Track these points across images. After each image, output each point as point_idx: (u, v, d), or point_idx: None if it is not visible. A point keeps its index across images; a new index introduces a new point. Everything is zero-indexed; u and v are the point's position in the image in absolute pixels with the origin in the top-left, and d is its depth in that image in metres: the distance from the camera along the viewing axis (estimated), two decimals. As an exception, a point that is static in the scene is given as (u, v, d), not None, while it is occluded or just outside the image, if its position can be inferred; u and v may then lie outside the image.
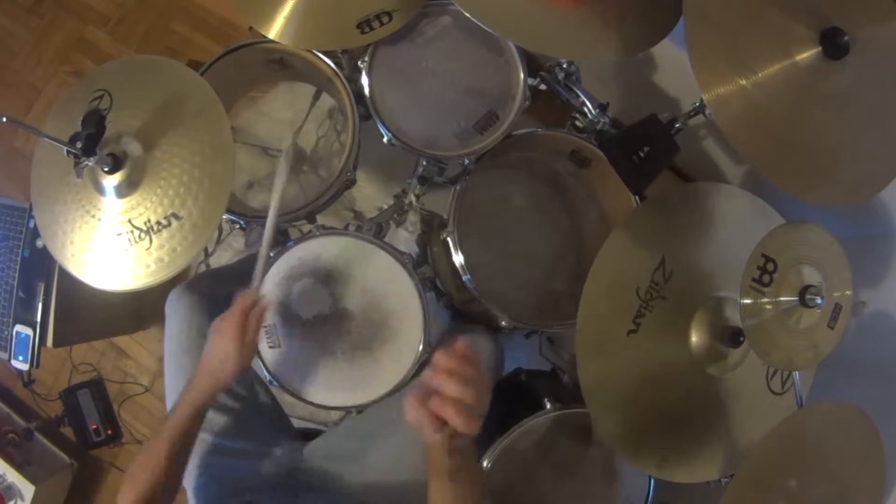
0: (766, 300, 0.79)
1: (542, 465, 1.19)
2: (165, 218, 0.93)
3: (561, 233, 1.33)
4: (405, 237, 1.68)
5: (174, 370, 1.15)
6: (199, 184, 0.93)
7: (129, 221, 0.95)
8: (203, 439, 1.08)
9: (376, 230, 1.31)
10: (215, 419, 1.09)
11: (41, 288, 1.53)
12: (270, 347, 1.10)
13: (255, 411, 1.14)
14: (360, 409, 1.12)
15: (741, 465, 0.77)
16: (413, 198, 1.33)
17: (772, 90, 0.84)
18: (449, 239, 1.16)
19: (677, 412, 0.97)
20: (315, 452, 1.11)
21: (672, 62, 1.42)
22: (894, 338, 1.11)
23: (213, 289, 1.23)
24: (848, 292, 0.87)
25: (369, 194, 1.81)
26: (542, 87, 1.22)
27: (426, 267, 1.35)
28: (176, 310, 1.18)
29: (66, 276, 0.99)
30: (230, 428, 1.09)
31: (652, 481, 1.15)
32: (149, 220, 0.94)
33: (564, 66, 1.23)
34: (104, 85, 1.02)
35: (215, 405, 1.10)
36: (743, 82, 0.84)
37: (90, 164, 0.92)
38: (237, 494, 1.05)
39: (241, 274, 1.24)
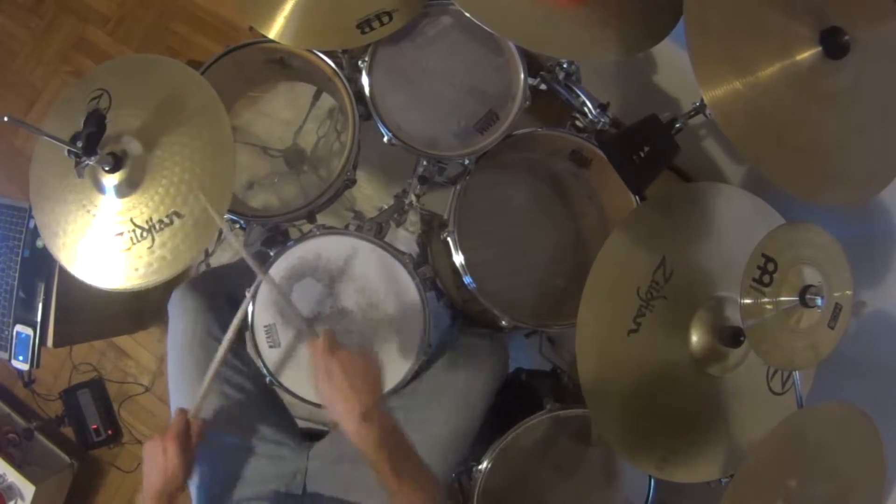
0: (766, 300, 0.79)
1: (542, 465, 1.19)
2: (167, 216, 0.93)
3: (561, 233, 1.33)
4: (405, 237, 1.68)
5: (177, 369, 1.15)
6: (201, 181, 0.93)
7: (131, 220, 0.95)
8: (211, 436, 1.07)
9: (376, 230, 1.31)
10: (224, 416, 1.09)
11: (41, 288, 1.53)
12: (270, 347, 1.10)
13: (261, 410, 1.14)
14: (361, 408, 1.12)
15: (741, 465, 0.77)
16: (413, 198, 1.33)
17: (773, 91, 0.84)
18: (449, 239, 1.16)
19: (677, 412, 0.97)
20: (323, 453, 1.11)
21: (672, 62, 1.42)
22: (894, 338, 1.11)
23: (215, 287, 1.23)
24: (848, 292, 0.87)
25: (369, 194, 1.81)
26: (543, 86, 1.22)
27: (426, 267, 1.35)
28: (179, 309, 1.18)
29: (66, 275, 0.99)
30: (239, 425, 1.09)
31: (652, 481, 1.15)
32: (150, 219, 0.94)
33: (564, 65, 1.23)
34: (103, 84, 1.01)
35: (222, 400, 1.10)
36: (745, 85, 0.84)
37: (91, 163, 0.92)
38: (242, 496, 1.05)
39: (243, 272, 1.24)
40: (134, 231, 0.95)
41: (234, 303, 1.20)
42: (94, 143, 0.91)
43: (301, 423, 1.23)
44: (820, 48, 0.84)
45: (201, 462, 1.07)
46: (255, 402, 1.14)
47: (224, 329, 1.16)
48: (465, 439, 1.10)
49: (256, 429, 1.10)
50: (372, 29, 1.09)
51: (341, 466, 1.07)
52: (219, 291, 1.21)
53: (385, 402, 0.85)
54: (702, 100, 0.98)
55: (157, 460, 0.93)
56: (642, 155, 0.97)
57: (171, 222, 0.93)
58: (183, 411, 0.98)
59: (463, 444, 1.10)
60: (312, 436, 1.18)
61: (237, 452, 1.08)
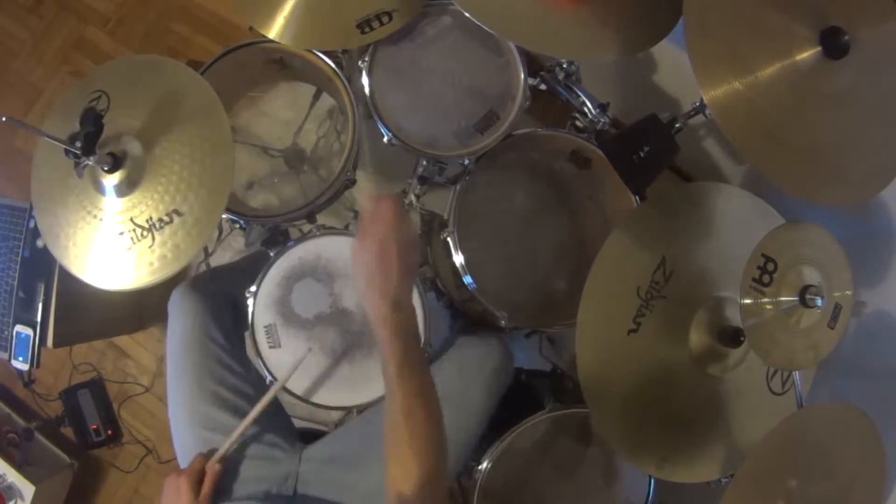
0: (766, 300, 0.79)
1: (542, 465, 1.19)
2: (167, 215, 0.93)
3: (561, 233, 1.33)
4: (405, 237, 1.68)
5: (176, 369, 1.15)
6: (200, 179, 0.93)
7: (131, 220, 0.95)
8: (205, 436, 1.08)
9: (376, 230, 1.30)
10: (219, 417, 1.09)
11: (41, 288, 1.53)
12: (270, 347, 1.10)
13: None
14: (361, 409, 1.12)
15: (741, 465, 0.77)
16: (413, 198, 1.33)
17: (773, 92, 0.84)
18: (449, 239, 1.16)
19: (677, 412, 0.97)
20: (315, 455, 1.11)
21: (672, 62, 1.42)
22: (894, 338, 1.11)
23: (215, 288, 1.23)
24: (848, 292, 0.88)
25: (369, 194, 1.81)
26: (543, 87, 1.21)
27: (426, 267, 1.35)
28: (179, 308, 1.18)
29: (66, 275, 0.99)
30: (233, 425, 1.09)
31: (652, 481, 1.15)
32: (151, 218, 0.94)
33: (564, 66, 1.23)
34: (101, 86, 1.01)
35: (218, 403, 1.10)
36: (744, 85, 0.84)
37: (90, 163, 0.92)
38: (233, 496, 1.05)
39: (243, 272, 1.25)
40: (134, 230, 0.95)
41: (234, 303, 1.21)
42: (92, 143, 0.91)
43: (299, 424, 1.23)
44: (820, 48, 0.84)
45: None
46: (252, 403, 1.14)
47: (222, 330, 1.16)
48: (466, 440, 1.09)
49: (251, 430, 1.10)
50: (372, 29, 1.09)
51: (333, 469, 1.07)
52: (218, 292, 1.22)
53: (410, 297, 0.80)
54: (702, 100, 0.98)
55: (171, 497, 0.95)
56: (642, 155, 0.97)
57: (172, 220, 0.93)
58: (203, 457, 1.01)
59: (466, 447, 1.09)
60: (310, 437, 1.18)
61: (234, 454, 1.07)
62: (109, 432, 1.95)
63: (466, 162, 1.17)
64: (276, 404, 1.21)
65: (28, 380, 1.95)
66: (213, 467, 0.99)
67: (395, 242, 0.77)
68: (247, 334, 1.13)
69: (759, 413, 0.99)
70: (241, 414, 1.11)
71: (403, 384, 0.75)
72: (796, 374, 0.90)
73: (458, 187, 1.18)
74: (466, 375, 1.12)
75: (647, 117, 1.01)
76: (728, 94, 0.84)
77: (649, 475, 1.14)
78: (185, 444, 1.09)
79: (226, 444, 1.02)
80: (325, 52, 1.19)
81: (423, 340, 1.08)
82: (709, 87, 0.84)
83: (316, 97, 1.55)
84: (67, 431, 1.97)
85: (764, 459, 0.78)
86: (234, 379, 1.13)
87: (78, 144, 0.90)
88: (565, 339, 1.57)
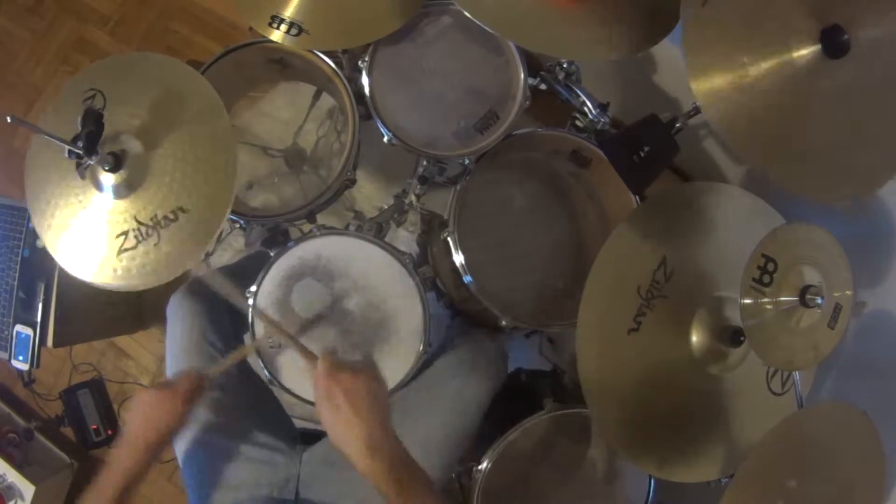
0: (766, 300, 0.79)
1: (542, 465, 1.19)
2: (172, 212, 0.92)
3: (561, 232, 1.33)
4: (405, 237, 1.68)
5: (176, 372, 1.15)
6: (204, 176, 0.92)
7: (135, 218, 0.94)
8: (206, 440, 1.08)
9: (376, 230, 1.31)
10: (219, 420, 1.09)
11: (41, 288, 1.53)
12: (271, 347, 1.10)
13: (259, 413, 1.14)
14: (360, 408, 1.12)
15: (741, 465, 0.77)
16: (413, 198, 1.33)
17: (772, 91, 0.84)
18: (449, 239, 1.16)
19: (677, 412, 0.97)
20: (315, 457, 1.11)
21: (672, 62, 1.42)
22: (894, 338, 1.11)
23: (213, 291, 1.23)
24: (848, 292, 0.87)
25: (369, 194, 1.81)
26: (543, 86, 1.22)
27: (426, 267, 1.35)
28: (178, 312, 1.18)
29: (66, 275, 0.99)
30: (233, 429, 1.09)
31: (652, 481, 1.15)
32: (155, 216, 0.93)
33: (564, 65, 1.23)
34: (95, 84, 1.00)
35: (220, 405, 1.10)
36: (741, 84, 0.84)
37: (92, 163, 0.92)
38: (235, 500, 1.05)
39: (241, 274, 1.25)
40: (138, 229, 0.94)
41: (232, 306, 1.21)
42: (93, 143, 0.91)
43: (299, 424, 1.23)
44: (819, 47, 0.84)
45: (196, 464, 1.07)
46: (252, 406, 1.14)
47: (221, 334, 1.16)
48: (462, 441, 1.09)
49: (251, 433, 1.10)
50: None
51: (334, 471, 1.07)
52: (216, 295, 1.21)
53: (391, 424, 0.80)
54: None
55: (154, 413, 0.89)
56: (642, 155, 0.97)
57: (177, 218, 0.92)
58: (198, 374, 0.93)
59: (460, 446, 1.09)
60: (310, 437, 1.18)
61: (232, 457, 1.07)
62: (109, 432, 1.95)
63: (466, 162, 1.17)
64: (276, 405, 1.21)
65: (28, 380, 1.95)
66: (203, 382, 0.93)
67: (342, 394, 0.78)
68: (246, 336, 1.13)
69: (759, 413, 0.99)
70: (239, 416, 1.11)
71: None
72: (796, 374, 0.90)
73: (458, 187, 1.18)
74: (462, 376, 1.12)
75: (647, 117, 1.01)
76: (725, 93, 0.83)
77: (649, 475, 1.14)
78: (185, 448, 1.09)
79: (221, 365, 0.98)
80: (325, 52, 1.19)
81: (423, 341, 1.09)
82: (703, 86, 0.83)
83: (316, 97, 1.56)
84: (67, 431, 1.97)
85: (764, 459, 0.78)
86: (233, 381, 1.13)
87: (80, 144, 0.90)
88: (565, 339, 1.57)
